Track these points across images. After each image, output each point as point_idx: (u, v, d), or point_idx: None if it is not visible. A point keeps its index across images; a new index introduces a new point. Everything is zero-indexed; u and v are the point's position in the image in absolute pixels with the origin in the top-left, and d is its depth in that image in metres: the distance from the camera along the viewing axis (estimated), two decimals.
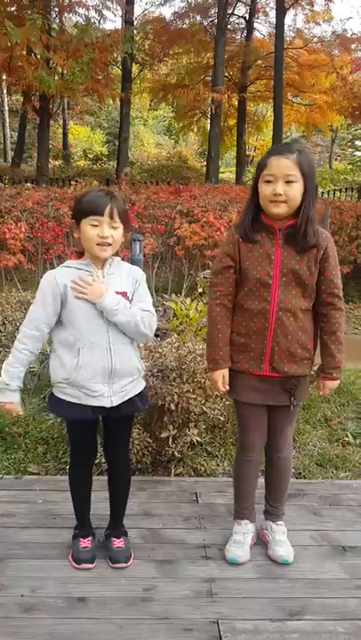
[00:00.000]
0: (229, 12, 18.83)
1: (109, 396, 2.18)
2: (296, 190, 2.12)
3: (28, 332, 2.16)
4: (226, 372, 2.33)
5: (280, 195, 2.11)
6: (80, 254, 2.23)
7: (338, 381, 2.35)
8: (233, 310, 2.30)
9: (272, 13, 18.98)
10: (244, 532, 2.45)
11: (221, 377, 2.32)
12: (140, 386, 2.30)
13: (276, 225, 2.18)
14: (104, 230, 2.08)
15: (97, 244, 2.09)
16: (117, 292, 2.15)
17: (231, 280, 2.27)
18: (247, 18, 20.65)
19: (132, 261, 4.52)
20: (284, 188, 2.11)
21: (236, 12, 20.40)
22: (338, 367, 2.29)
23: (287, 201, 2.12)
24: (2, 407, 2.20)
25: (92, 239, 2.09)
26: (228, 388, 2.34)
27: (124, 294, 2.17)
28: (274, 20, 17.36)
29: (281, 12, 16.22)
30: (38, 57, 12.70)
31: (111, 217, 2.08)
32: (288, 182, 2.11)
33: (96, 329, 2.13)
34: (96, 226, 2.08)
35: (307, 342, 2.24)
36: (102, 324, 2.13)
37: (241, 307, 2.26)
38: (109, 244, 2.10)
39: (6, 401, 2.17)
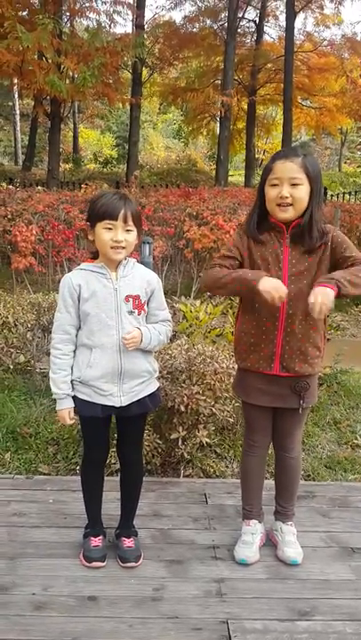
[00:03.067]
0: (239, 15, 18.90)
1: (119, 395, 2.21)
2: (302, 192, 2.14)
3: (58, 337, 2.23)
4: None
5: (286, 197, 2.13)
6: (94, 256, 2.26)
7: (325, 289, 1.98)
8: (243, 310, 2.32)
9: (282, 17, 19.05)
10: (252, 533, 2.47)
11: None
12: (151, 387, 2.32)
13: (283, 224, 2.20)
14: (118, 234, 2.11)
15: (111, 248, 2.13)
16: (130, 296, 2.19)
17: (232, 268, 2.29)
18: (257, 21, 20.70)
19: (142, 264, 4.54)
20: (290, 190, 2.13)
21: (246, 15, 20.47)
22: (332, 278, 2.02)
23: (294, 203, 2.14)
24: (58, 416, 2.28)
25: (106, 242, 2.12)
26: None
27: (136, 297, 2.20)
28: (284, 24, 17.41)
29: (291, 16, 16.28)
30: (49, 61, 12.80)
31: (125, 221, 2.11)
32: (294, 185, 2.13)
33: (107, 331, 2.17)
34: (110, 229, 2.11)
35: (318, 341, 2.25)
36: (113, 326, 2.17)
37: (252, 306, 2.27)
38: (123, 247, 2.14)
39: (58, 409, 2.25)
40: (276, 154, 2.24)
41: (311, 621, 2.09)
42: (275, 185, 2.16)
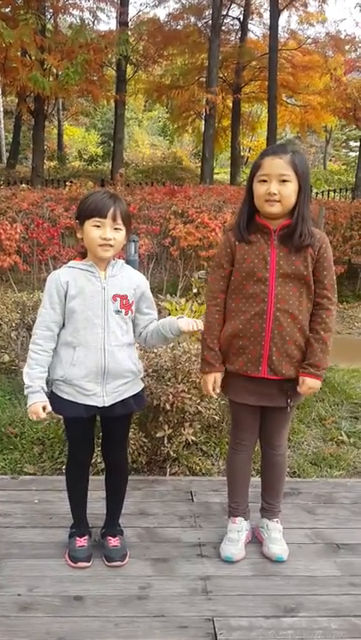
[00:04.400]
0: (224, 13, 18.85)
1: (102, 395, 2.21)
2: (290, 189, 2.14)
3: (40, 332, 2.20)
4: (218, 375, 2.36)
5: (274, 194, 2.13)
6: (83, 255, 2.25)
7: (317, 381, 2.25)
8: (229, 314, 2.32)
9: (266, 15, 19.00)
10: (238, 530, 2.47)
11: (213, 380, 2.35)
12: (135, 387, 2.31)
13: (270, 225, 2.21)
14: (106, 232, 2.11)
15: (99, 245, 2.12)
16: (118, 295, 2.19)
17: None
18: (241, 19, 20.65)
19: (128, 262, 4.53)
20: (278, 187, 2.13)
21: (230, 13, 20.38)
22: (317, 366, 2.22)
23: (281, 200, 2.14)
24: (29, 411, 2.20)
25: (94, 240, 2.12)
26: (218, 391, 2.38)
27: (124, 297, 2.20)
28: (268, 22, 17.42)
29: (275, 14, 16.29)
30: (32, 58, 12.70)
31: (114, 219, 2.11)
32: (282, 182, 2.13)
33: (92, 329, 2.16)
34: (99, 227, 2.11)
35: (304, 344, 2.25)
36: (99, 324, 2.16)
37: (239, 309, 2.27)
38: (111, 246, 2.13)
39: (31, 402, 2.18)
40: (265, 150, 2.25)
41: (297, 618, 2.10)
42: (263, 181, 2.16)
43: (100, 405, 2.21)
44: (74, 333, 2.17)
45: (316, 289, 2.23)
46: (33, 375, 2.18)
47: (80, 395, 2.20)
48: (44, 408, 2.17)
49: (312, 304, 2.25)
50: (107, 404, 2.22)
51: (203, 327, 2.27)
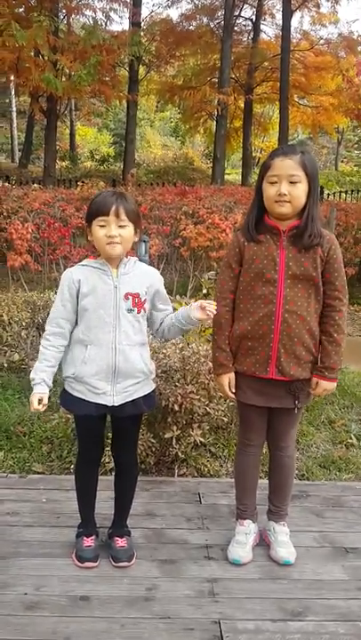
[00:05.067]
0: (236, 13, 18.88)
1: (112, 394, 2.21)
2: (300, 190, 2.13)
3: (50, 328, 2.24)
4: (232, 375, 2.34)
5: (285, 195, 2.12)
6: (98, 254, 2.26)
7: (332, 383, 2.29)
8: (238, 315, 2.31)
9: (279, 15, 18.98)
10: (246, 533, 2.46)
11: (228, 381, 2.34)
12: (146, 388, 2.31)
13: (280, 226, 2.20)
14: (111, 230, 2.11)
15: (106, 244, 2.13)
16: (129, 294, 2.19)
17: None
18: (254, 20, 20.66)
19: None
20: (288, 188, 2.12)
21: (242, 13, 20.43)
22: (332, 368, 2.25)
23: (292, 201, 2.13)
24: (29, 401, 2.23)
25: (101, 239, 2.13)
26: (233, 391, 2.36)
27: (135, 295, 2.20)
28: (280, 22, 17.39)
29: (287, 14, 16.26)
30: (45, 58, 12.74)
31: (117, 216, 2.10)
32: (292, 182, 2.12)
33: (104, 327, 2.17)
34: (104, 226, 2.12)
35: (312, 345, 2.24)
36: (110, 323, 2.17)
37: (247, 310, 2.26)
38: (118, 243, 2.13)
39: (33, 393, 2.20)
40: (275, 151, 2.24)
41: (304, 622, 2.09)
42: (273, 182, 2.15)
43: (109, 404, 2.22)
44: (86, 331, 2.19)
45: (327, 290, 2.22)
46: (38, 368, 2.22)
47: (90, 393, 2.21)
48: (40, 400, 2.19)
49: (320, 305, 2.24)
50: (116, 404, 2.22)
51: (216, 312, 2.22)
